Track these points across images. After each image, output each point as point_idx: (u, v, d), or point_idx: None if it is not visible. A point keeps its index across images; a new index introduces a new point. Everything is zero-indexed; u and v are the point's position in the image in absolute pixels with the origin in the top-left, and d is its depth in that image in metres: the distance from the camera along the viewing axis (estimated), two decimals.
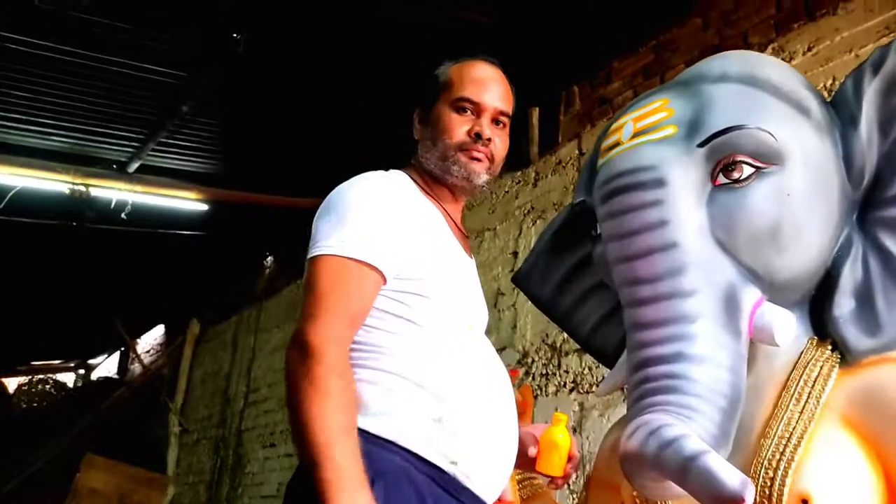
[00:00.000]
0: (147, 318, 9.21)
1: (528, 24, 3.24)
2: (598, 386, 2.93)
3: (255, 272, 6.79)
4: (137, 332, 9.57)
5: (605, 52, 3.25)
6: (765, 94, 1.22)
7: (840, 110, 1.27)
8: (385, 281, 1.25)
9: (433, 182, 1.42)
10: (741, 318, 1.13)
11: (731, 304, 1.14)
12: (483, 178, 1.40)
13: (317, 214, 1.31)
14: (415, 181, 1.41)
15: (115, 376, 10.73)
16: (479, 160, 1.38)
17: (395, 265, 1.26)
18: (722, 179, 1.18)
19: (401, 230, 1.28)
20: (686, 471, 0.93)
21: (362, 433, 1.15)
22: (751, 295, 1.16)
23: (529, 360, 3.26)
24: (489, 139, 1.39)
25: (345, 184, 1.33)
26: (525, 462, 1.36)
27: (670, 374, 1.08)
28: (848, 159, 1.23)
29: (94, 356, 12.02)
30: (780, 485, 1.04)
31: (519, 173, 3.67)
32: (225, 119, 4.49)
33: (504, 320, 3.44)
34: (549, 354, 3.22)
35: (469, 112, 1.39)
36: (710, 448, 0.95)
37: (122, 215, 5.14)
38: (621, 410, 2.45)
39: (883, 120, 1.24)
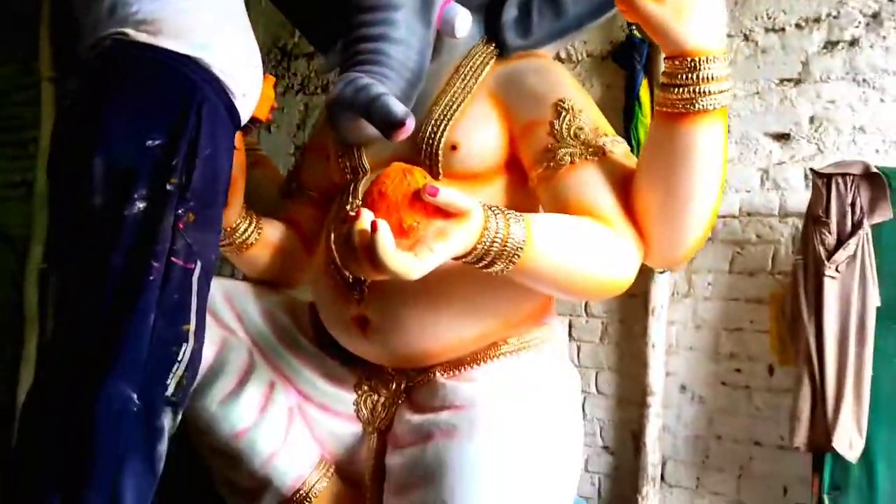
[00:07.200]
0: None
1: None
2: (323, 89, 3.18)
3: None
4: None
5: None
6: None
7: None
8: None
9: None
10: (433, 11, 1.32)
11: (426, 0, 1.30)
12: None
13: None
14: None
15: None
16: None
17: None
18: None
19: None
20: (370, 105, 1.22)
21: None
22: None
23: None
24: None
25: None
26: None
27: (374, 50, 1.27)
28: None
29: None
30: (439, 136, 1.36)
31: None
32: None
33: None
34: (278, 57, 3.30)
35: None
36: (389, 92, 1.26)
37: None
38: None
39: None
